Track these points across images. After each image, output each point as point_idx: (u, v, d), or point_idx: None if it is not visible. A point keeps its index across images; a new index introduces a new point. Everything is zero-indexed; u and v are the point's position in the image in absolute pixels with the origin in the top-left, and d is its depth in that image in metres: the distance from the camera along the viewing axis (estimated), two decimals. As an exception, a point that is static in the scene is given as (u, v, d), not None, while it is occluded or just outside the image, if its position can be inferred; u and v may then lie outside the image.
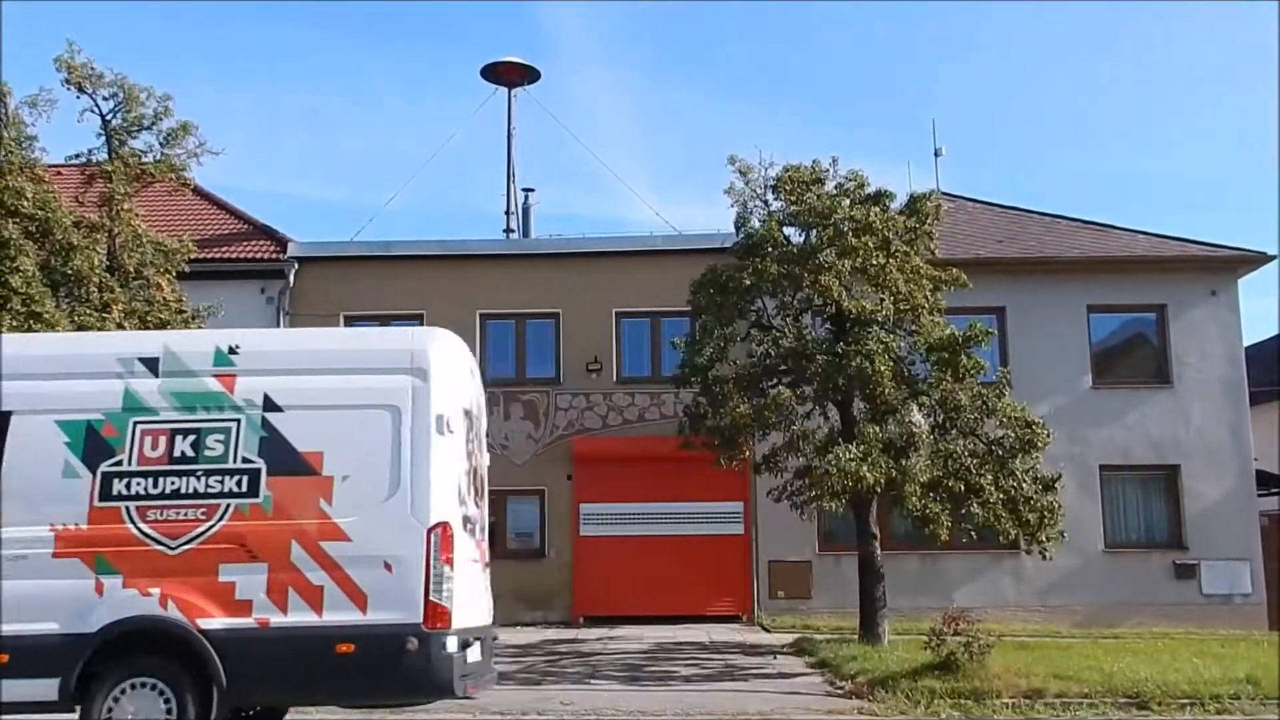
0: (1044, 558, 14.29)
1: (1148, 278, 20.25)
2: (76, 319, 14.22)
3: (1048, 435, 14.16)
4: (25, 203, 14.35)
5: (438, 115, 64.57)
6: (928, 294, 14.56)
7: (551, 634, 17.83)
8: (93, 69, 15.42)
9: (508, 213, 27.30)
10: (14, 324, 13.46)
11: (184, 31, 64.17)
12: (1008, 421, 14.16)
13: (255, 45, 66.02)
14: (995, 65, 66.83)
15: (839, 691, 11.43)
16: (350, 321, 20.51)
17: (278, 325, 20.08)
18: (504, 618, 19.18)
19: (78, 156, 16.05)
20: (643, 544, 19.48)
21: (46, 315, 13.74)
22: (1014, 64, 66.25)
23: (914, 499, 13.28)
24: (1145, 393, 20.06)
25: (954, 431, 14.24)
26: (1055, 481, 14.11)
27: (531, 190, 27.01)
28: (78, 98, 15.50)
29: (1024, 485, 13.83)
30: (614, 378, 20.28)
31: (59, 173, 16.38)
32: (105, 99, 15.67)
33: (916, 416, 14.08)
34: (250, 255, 20.50)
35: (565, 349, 20.37)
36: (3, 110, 15.09)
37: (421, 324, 20.39)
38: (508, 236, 26.12)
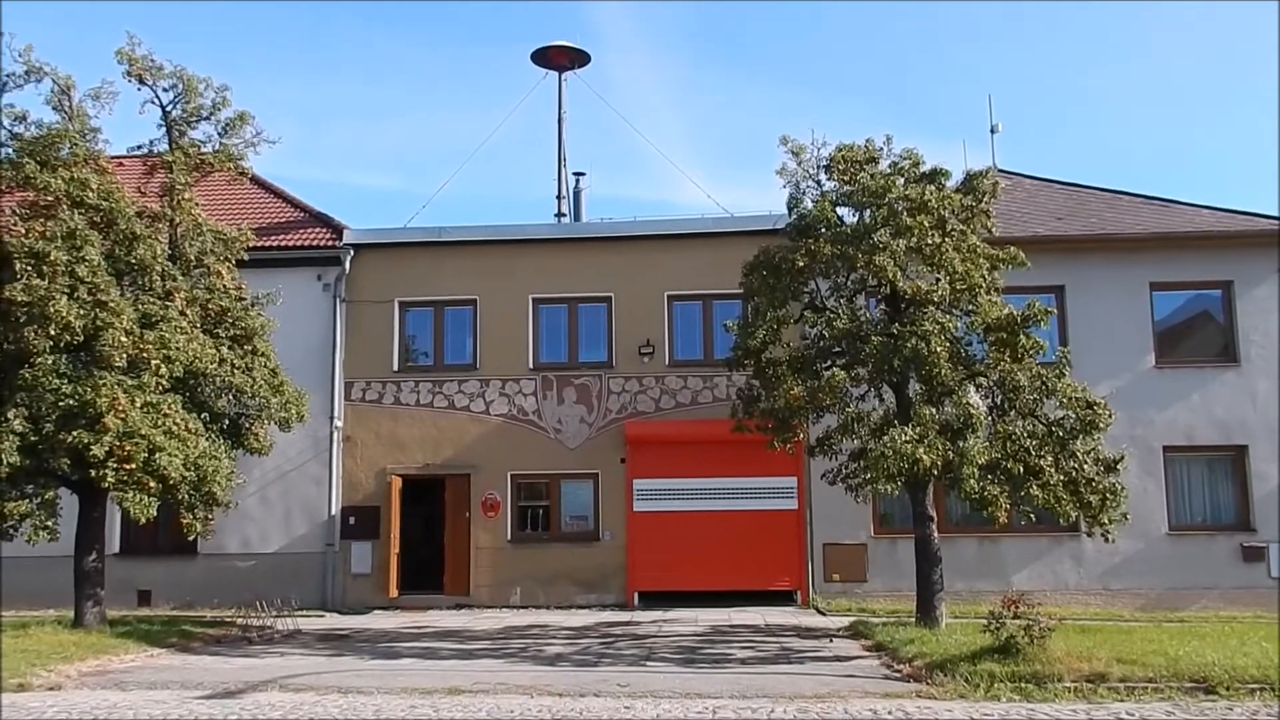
0: (1106, 540, 14.05)
1: (1213, 253, 19.78)
2: (140, 307, 14.54)
3: (1109, 416, 13.89)
4: (90, 194, 14.68)
5: (488, 102, 64.87)
6: (985, 273, 14.35)
7: (607, 616, 17.95)
8: (153, 61, 15.70)
9: (559, 197, 27.40)
10: (81, 312, 13.80)
11: (237, 22, 65.05)
12: (1068, 402, 13.92)
13: (307, 35, 66.75)
14: (1052, 39, 65.54)
15: (896, 675, 11.35)
16: (404, 307, 20.75)
17: (334, 312, 20.37)
18: (559, 600, 19.47)
19: (139, 147, 16.34)
20: (696, 519, 19.54)
21: (111, 304, 14.05)
22: (1071, 38, 64.90)
23: (972, 481, 13.12)
24: (1210, 372, 19.62)
25: (1012, 413, 14.03)
26: (1118, 463, 13.85)
27: (582, 174, 27.07)
28: (138, 90, 15.82)
29: (1085, 467, 13.60)
30: (666, 361, 20.28)
31: (121, 164, 16.70)
32: (165, 90, 15.95)
33: (974, 398, 13.90)
34: (307, 243, 20.79)
35: (617, 332, 20.42)
36: (68, 103, 15.41)
37: (475, 309, 20.64)
38: (559, 221, 26.20)
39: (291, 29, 66.66)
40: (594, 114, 73.32)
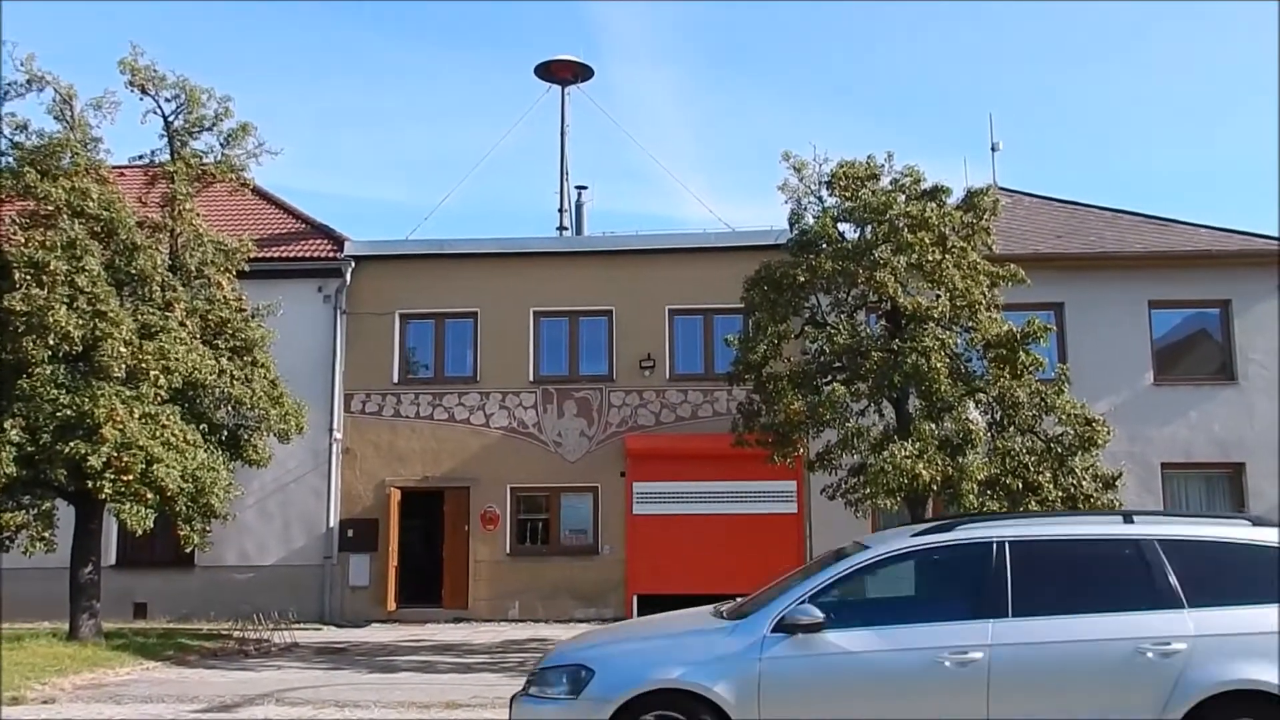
0: (1105, 558, 14.00)
1: (1211, 272, 19.79)
2: (139, 318, 14.52)
3: (1108, 433, 13.90)
4: (91, 203, 14.69)
5: (492, 114, 65.10)
6: (985, 290, 14.37)
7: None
8: (155, 71, 15.72)
9: (561, 210, 27.46)
10: (80, 322, 13.78)
11: (240, 31, 65.25)
12: (1067, 419, 13.93)
13: (309, 45, 66.95)
14: (1053, 57, 65.81)
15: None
16: (405, 319, 20.75)
17: (335, 323, 20.37)
18: (558, 613, 19.40)
19: (141, 157, 16.40)
20: (696, 522, 19.47)
21: (111, 314, 14.04)
22: (1073, 56, 65.16)
23: (971, 497, 13.12)
24: (1209, 390, 19.62)
25: (1012, 429, 14.04)
26: (1116, 480, 13.84)
27: (585, 188, 27.16)
28: (141, 100, 15.84)
29: (1084, 483, 13.60)
30: (667, 375, 20.27)
31: (122, 174, 16.73)
32: (167, 100, 15.97)
33: (973, 414, 13.91)
34: (308, 254, 20.79)
35: (618, 346, 20.41)
36: (69, 112, 15.43)
37: (476, 321, 20.64)
38: (561, 234, 26.26)
39: (294, 38, 66.91)
40: (597, 127, 73.60)
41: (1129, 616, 6.33)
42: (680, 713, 6.25)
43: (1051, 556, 6.77)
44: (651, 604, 19.18)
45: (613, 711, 6.25)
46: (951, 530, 6.88)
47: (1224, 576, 6.50)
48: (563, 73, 27.72)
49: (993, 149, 23.39)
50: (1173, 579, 6.40)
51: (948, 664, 6.22)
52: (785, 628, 6.38)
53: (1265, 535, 6.65)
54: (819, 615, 6.34)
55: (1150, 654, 6.18)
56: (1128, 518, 6.95)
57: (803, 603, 6.45)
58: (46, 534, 14.39)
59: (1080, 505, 13.54)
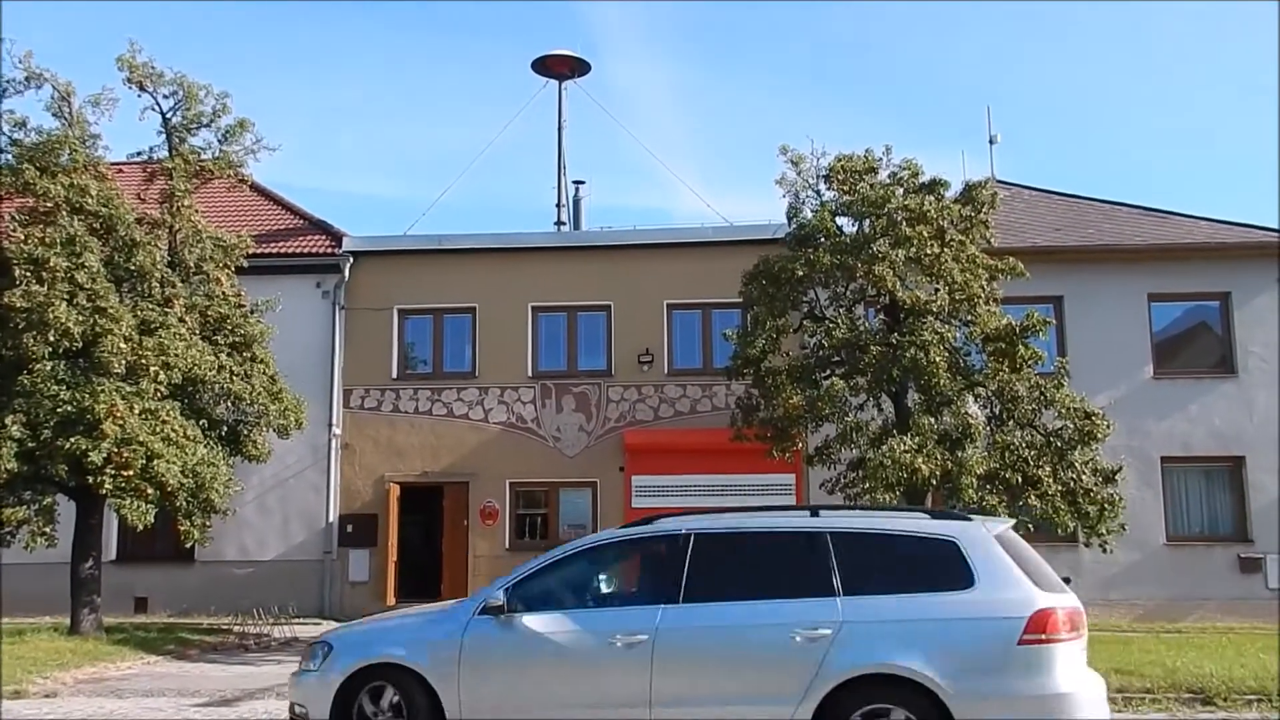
0: (1104, 550, 14.08)
1: (1211, 265, 19.79)
2: (139, 314, 14.54)
3: (1108, 426, 13.93)
4: (90, 200, 14.71)
5: (489, 109, 65.03)
6: (984, 284, 14.39)
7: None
8: (153, 68, 15.74)
9: (559, 205, 27.40)
10: (80, 318, 13.80)
11: (236, 28, 65.17)
12: (1066, 412, 13.96)
13: (306, 41, 66.87)
14: (1051, 49, 65.71)
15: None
16: (404, 315, 20.76)
17: (333, 319, 20.38)
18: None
19: (139, 154, 16.40)
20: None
21: (110, 310, 14.05)
22: (1071, 48, 65.07)
23: (970, 491, 13.15)
24: (1208, 383, 19.63)
25: (1011, 423, 14.06)
26: (1116, 473, 13.88)
27: (582, 183, 27.05)
28: (139, 96, 15.89)
29: (1083, 477, 13.64)
30: (665, 370, 20.27)
31: (121, 170, 16.75)
32: (165, 97, 16.01)
33: (972, 408, 13.93)
34: (306, 250, 20.78)
35: (616, 341, 20.41)
36: (68, 109, 15.44)
37: (474, 317, 20.64)
38: (559, 229, 26.20)
39: (291, 35, 66.82)
40: (594, 122, 73.50)
41: (788, 603, 6.77)
42: (394, 685, 7.19)
43: (730, 548, 7.27)
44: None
45: (342, 680, 7.26)
46: (650, 524, 7.54)
47: (885, 567, 6.89)
48: (560, 68, 27.65)
49: (991, 142, 23.40)
50: (834, 568, 6.81)
51: (619, 645, 6.83)
52: (487, 611, 7.21)
53: (935, 528, 7.01)
54: (501, 599, 7.17)
55: (799, 638, 6.59)
56: (814, 512, 7.48)
57: (499, 589, 7.29)
58: (47, 529, 14.46)
59: (1080, 499, 13.58)
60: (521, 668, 7.08)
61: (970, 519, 7.12)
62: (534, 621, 7.10)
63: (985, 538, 6.82)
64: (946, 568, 6.69)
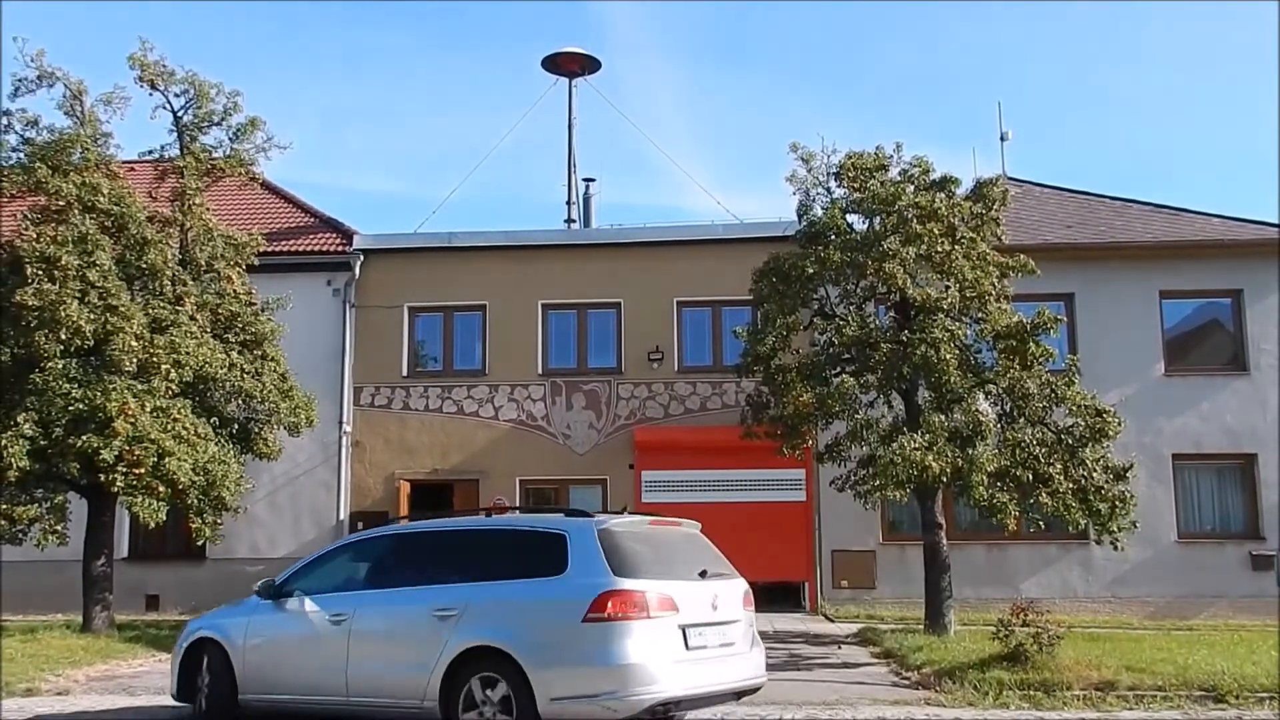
0: (1115, 548, 14.03)
1: (1223, 262, 19.73)
2: (150, 312, 14.58)
3: (1119, 424, 13.87)
4: (102, 199, 14.74)
5: (499, 107, 64.97)
6: (994, 281, 14.34)
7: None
8: (164, 67, 15.76)
9: (569, 203, 27.37)
10: (92, 317, 13.85)
11: (247, 27, 65.33)
12: (1077, 410, 13.91)
13: (316, 40, 67.00)
14: (1061, 46, 65.47)
15: (905, 682, 11.33)
16: (414, 313, 20.79)
17: (344, 317, 20.41)
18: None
19: (150, 152, 16.43)
20: (704, 510, 19.38)
21: (122, 309, 14.09)
22: (1081, 45, 64.82)
23: (981, 488, 13.12)
24: (1220, 380, 19.57)
25: (1022, 420, 14.02)
26: (1127, 471, 13.83)
27: (592, 180, 26.99)
28: (150, 95, 15.89)
29: (1095, 474, 13.59)
30: (675, 367, 20.28)
31: (132, 169, 16.78)
32: (177, 96, 16.02)
33: (983, 405, 13.90)
34: (317, 248, 20.83)
35: (626, 339, 20.42)
36: (79, 108, 15.48)
37: (484, 314, 20.66)
38: (569, 227, 26.18)
39: (301, 33, 66.97)
40: (604, 119, 73.54)
41: (440, 588, 8.06)
42: (209, 655, 9.17)
43: (414, 545, 8.95)
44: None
45: (183, 650, 9.44)
46: (383, 527, 9.71)
47: (509, 559, 8.05)
48: (570, 65, 27.62)
49: (1002, 139, 23.32)
50: (479, 559, 8.18)
51: (330, 622, 8.52)
52: (259, 594, 9.13)
53: (553, 524, 8.13)
54: (271, 586, 9.05)
55: (436, 617, 7.87)
56: (488, 514, 9.27)
57: (271, 579, 9.21)
58: (59, 527, 14.51)
59: (1091, 497, 13.54)
60: (276, 642, 8.93)
61: (591, 517, 8.10)
62: (294, 604, 8.88)
63: (588, 532, 7.75)
64: (549, 558, 7.71)
